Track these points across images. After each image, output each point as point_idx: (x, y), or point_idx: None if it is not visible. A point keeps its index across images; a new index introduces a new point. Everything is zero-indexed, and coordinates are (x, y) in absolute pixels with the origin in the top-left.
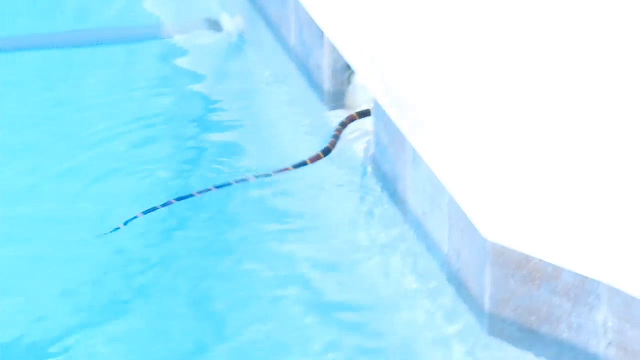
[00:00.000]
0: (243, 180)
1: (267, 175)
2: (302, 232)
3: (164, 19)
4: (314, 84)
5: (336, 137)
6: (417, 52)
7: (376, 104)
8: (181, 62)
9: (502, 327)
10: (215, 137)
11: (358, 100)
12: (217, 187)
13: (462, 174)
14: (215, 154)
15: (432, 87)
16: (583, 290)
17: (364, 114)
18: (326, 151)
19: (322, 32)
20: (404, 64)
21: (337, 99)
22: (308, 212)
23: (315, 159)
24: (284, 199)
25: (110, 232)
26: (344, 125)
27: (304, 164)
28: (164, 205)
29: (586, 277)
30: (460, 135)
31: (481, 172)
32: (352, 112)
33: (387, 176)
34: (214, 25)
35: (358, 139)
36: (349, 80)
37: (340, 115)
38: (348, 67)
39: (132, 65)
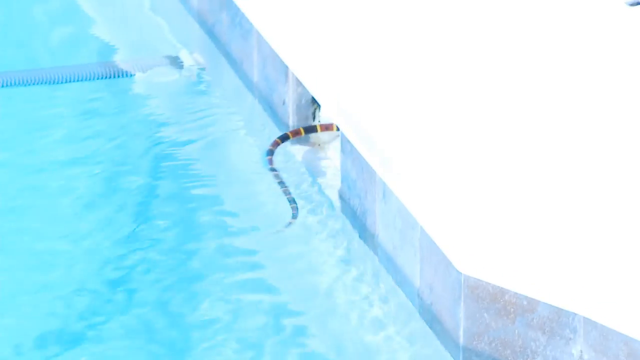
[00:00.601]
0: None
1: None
2: (267, 270)
3: (121, 57)
4: (279, 120)
5: (271, 152)
6: (386, 86)
7: (343, 139)
8: (140, 100)
9: None
10: (173, 179)
11: (323, 136)
12: None
13: (434, 208)
14: (171, 197)
15: (402, 122)
16: (559, 323)
17: (310, 129)
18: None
19: (286, 67)
20: (372, 99)
21: (300, 138)
22: (274, 250)
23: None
24: (246, 238)
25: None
26: (282, 139)
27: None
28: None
29: (562, 310)
30: (432, 168)
31: (454, 205)
32: (297, 127)
33: (355, 211)
34: (174, 62)
35: (323, 174)
36: (314, 116)
37: (303, 149)
38: (313, 101)
39: (87, 104)
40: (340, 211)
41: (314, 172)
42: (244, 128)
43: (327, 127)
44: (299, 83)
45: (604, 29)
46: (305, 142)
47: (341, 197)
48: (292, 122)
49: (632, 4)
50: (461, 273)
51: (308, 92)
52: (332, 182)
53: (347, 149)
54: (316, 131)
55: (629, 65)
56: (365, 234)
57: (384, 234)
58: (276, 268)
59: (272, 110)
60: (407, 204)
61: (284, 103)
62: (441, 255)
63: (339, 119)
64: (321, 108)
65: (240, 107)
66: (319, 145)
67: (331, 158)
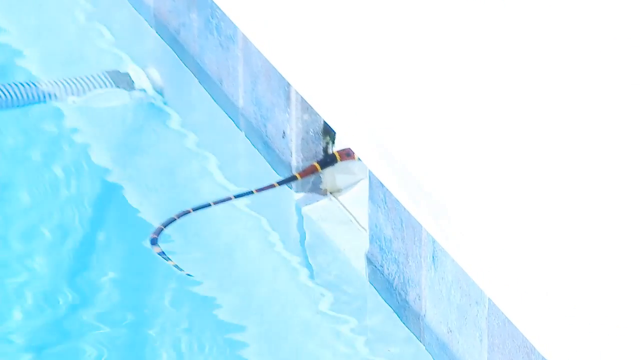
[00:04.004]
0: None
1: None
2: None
3: (47, 76)
4: (275, 158)
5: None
6: (438, 106)
7: (373, 182)
8: (71, 134)
9: None
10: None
11: (341, 181)
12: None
13: (510, 276)
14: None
15: (463, 155)
16: None
17: (326, 162)
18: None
19: (287, 85)
20: (418, 125)
21: (310, 180)
22: (283, 341)
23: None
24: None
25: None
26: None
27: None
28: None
29: None
30: (508, 220)
31: (537, 272)
32: (312, 162)
33: (392, 281)
34: (121, 81)
35: (342, 232)
36: (326, 152)
37: (311, 199)
38: (326, 133)
39: (10, 137)
40: (369, 282)
41: (329, 231)
42: (221, 172)
43: (349, 154)
44: (305, 107)
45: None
46: (312, 188)
47: (370, 262)
48: (295, 161)
49: None
50: None
51: (318, 119)
52: (355, 243)
53: (378, 196)
54: (335, 161)
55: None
56: (406, 312)
57: (435, 313)
58: None
59: (266, 147)
60: (470, 271)
61: (283, 136)
62: (520, 340)
63: (367, 153)
64: (337, 140)
65: (218, 144)
66: (332, 192)
67: (350, 210)
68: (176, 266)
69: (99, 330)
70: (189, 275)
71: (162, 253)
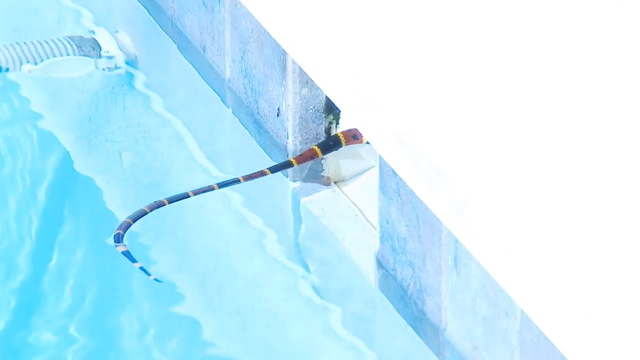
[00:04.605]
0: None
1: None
2: None
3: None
4: (269, 140)
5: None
6: (460, 78)
7: (384, 171)
8: (31, 107)
9: None
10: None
11: (346, 168)
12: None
13: (546, 283)
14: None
15: (488, 136)
16: None
17: (329, 146)
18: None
19: (283, 54)
20: (437, 102)
21: (308, 166)
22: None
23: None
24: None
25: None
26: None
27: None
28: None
29: None
30: (544, 217)
31: (586, 278)
32: (312, 145)
33: (406, 289)
34: (85, 46)
35: (346, 228)
36: (328, 133)
37: (311, 189)
38: (329, 111)
39: None
40: (378, 288)
41: (333, 227)
42: (204, 157)
43: (356, 137)
44: (304, 80)
45: None
46: (312, 177)
47: (381, 265)
48: (292, 144)
49: None
50: None
51: (320, 94)
52: (363, 242)
53: (390, 186)
54: (340, 145)
55: None
56: (423, 325)
57: (457, 327)
58: None
59: (257, 125)
60: (499, 277)
61: (278, 114)
62: (557, 358)
63: (377, 135)
64: (341, 119)
65: (200, 123)
66: (336, 182)
67: (357, 203)
68: (142, 269)
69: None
70: (157, 280)
71: (127, 253)
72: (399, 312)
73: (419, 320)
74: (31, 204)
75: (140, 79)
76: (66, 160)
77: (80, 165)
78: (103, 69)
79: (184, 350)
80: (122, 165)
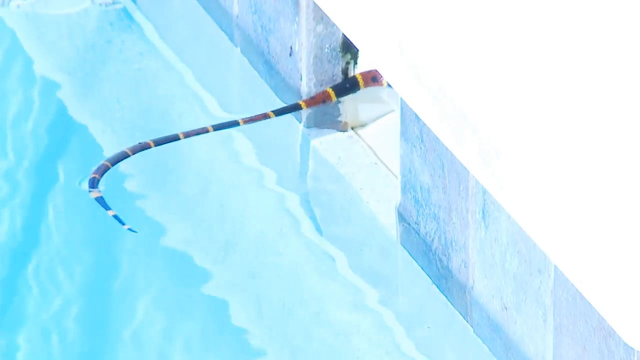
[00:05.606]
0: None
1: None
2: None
3: None
4: (280, 82)
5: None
6: (490, 16)
7: (406, 114)
8: (19, 47)
9: None
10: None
11: (365, 112)
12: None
13: (583, 237)
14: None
15: (519, 78)
16: None
17: (345, 88)
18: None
19: None
20: (464, 41)
21: (322, 108)
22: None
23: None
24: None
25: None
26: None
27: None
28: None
29: None
30: (580, 164)
31: (626, 232)
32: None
33: (429, 242)
34: None
35: (368, 177)
36: (345, 74)
37: (326, 134)
38: (347, 50)
39: None
40: (401, 243)
41: (350, 177)
42: (210, 99)
43: (375, 79)
44: (319, 16)
45: None
46: (327, 122)
47: (402, 218)
48: (306, 86)
49: None
50: (634, 350)
51: (336, 31)
52: (383, 193)
53: (413, 132)
54: (358, 88)
55: None
56: (449, 284)
57: (485, 285)
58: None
59: (268, 67)
60: (531, 230)
61: (291, 53)
62: (595, 321)
63: (398, 77)
64: (360, 59)
65: (205, 62)
66: (354, 127)
67: (377, 150)
68: (116, 217)
69: None
70: (131, 230)
71: (100, 199)
72: (422, 269)
73: (444, 278)
74: (22, 153)
75: (140, 15)
76: (59, 106)
77: (75, 111)
78: (100, 4)
79: (193, 303)
80: (120, 110)
